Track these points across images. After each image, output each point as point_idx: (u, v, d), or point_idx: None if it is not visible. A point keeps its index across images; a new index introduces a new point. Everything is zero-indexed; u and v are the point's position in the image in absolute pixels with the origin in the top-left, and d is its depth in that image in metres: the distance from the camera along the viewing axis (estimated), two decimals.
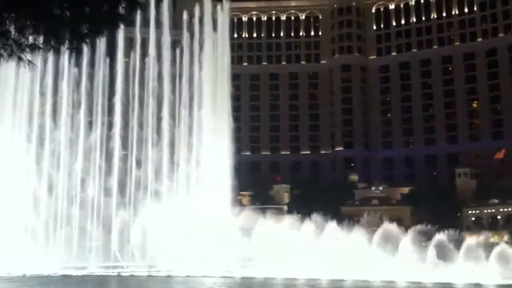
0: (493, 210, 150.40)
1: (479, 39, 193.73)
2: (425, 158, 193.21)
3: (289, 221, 72.03)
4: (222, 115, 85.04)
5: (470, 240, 71.96)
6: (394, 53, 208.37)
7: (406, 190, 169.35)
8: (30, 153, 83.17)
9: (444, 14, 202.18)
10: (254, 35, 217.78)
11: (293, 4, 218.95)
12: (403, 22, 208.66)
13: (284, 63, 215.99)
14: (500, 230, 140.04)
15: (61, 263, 68.76)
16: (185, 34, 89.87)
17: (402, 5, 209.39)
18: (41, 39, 11.62)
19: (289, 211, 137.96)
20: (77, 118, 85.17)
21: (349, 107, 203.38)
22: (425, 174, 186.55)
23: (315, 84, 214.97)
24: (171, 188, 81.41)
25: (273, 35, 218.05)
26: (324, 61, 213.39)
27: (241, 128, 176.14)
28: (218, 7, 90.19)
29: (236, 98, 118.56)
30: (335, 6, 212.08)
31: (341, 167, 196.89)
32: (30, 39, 11.53)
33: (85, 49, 12.58)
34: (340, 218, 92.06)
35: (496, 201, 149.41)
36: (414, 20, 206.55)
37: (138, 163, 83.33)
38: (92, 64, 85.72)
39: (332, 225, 66.48)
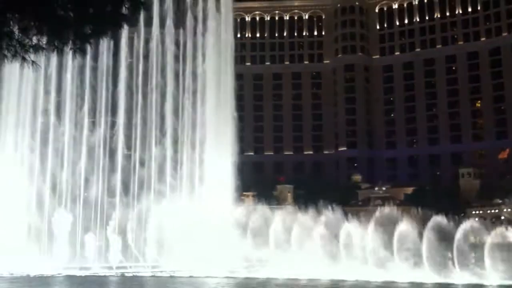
0: (496, 210, 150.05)
1: (483, 38, 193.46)
2: (429, 158, 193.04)
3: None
4: (225, 115, 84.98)
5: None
6: (397, 53, 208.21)
7: (409, 190, 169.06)
8: (34, 153, 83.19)
9: (447, 14, 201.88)
10: (257, 35, 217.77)
11: (296, 4, 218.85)
12: (406, 21, 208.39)
13: (287, 63, 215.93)
14: None
15: (64, 263, 68.79)
16: (189, 33, 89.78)
17: (405, 5, 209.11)
18: (44, 40, 11.58)
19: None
20: (81, 116, 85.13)
21: (352, 107, 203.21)
22: (429, 174, 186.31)
23: (318, 84, 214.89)
24: (173, 189, 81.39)
25: (276, 35, 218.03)
26: (328, 61, 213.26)
27: (245, 128, 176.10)
28: (222, 5, 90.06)
29: (239, 98, 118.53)
30: (338, 5, 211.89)
31: (344, 167, 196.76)
32: (34, 39, 11.49)
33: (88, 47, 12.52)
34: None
35: (500, 201, 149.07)
36: (418, 19, 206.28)
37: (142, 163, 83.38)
38: (95, 60, 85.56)
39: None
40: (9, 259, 65.23)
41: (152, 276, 64.12)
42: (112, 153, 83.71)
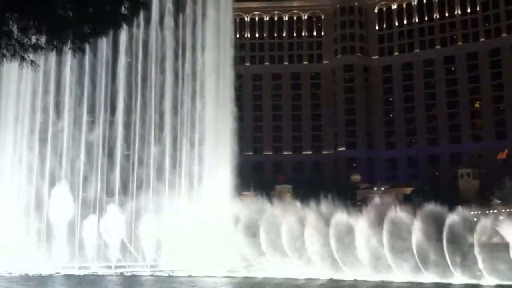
0: (495, 211, 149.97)
1: (482, 39, 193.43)
2: (428, 158, 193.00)
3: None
4: (225, 115, 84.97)
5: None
6: (396, 53, 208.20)
7: (408, 190, 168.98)
8: (32, 152, 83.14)
9: (446, 14, 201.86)
10: (257, 35, 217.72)
11: (295, 4, 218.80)
12: (405, 22, 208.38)
13: (286, 63, 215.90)
14: None
15: (63, 263, 68.76)
16: (188, 33, 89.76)
17: (404, 5, 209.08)
18: (43, 39, 11.59)
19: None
20: (79, 115, 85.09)
21: (351, 107, 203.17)
22: (428, 174, 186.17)
23: (317, 84, 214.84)
24: (172, 188, 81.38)
25: (275, 35, 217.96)
26: (327, 61, 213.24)
27: (244, 128, 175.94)
28: (222, 5, 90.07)
29: (238, 98, 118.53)
30: (338, 6, 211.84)
31: (343, 167, 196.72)
32: (33, 39, 11.50)
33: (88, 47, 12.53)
34: None
35: (499, 201, 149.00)
36: (417, 20, 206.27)
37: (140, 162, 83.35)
38: (94, 62, 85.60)
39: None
40: (8, 258, 65.22)
41: (151, 275, 64.15)
42: (110, 152, 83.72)
